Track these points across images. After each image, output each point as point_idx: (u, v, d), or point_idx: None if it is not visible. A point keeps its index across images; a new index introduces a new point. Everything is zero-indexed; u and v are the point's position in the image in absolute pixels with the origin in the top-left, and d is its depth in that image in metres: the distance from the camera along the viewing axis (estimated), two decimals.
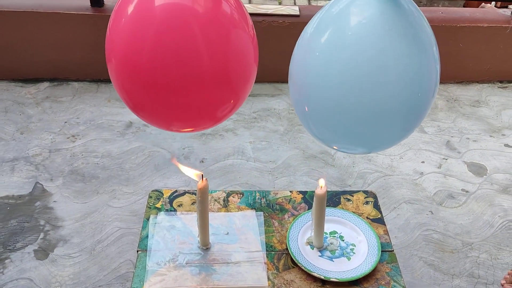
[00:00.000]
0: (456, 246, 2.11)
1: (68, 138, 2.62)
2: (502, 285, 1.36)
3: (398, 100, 0.94)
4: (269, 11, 3.00)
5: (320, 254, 1.27)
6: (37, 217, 2.14)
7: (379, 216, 1.40)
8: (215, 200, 1.42)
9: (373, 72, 0.91)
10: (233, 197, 1.43)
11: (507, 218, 2.26)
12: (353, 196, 1.46)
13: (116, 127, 2.71)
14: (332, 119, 0.99)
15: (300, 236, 1.30)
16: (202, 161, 2.50)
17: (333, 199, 1.44)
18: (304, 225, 1.33)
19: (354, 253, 1.28)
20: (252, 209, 1.39)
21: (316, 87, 0.97)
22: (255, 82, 1.09)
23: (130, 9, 0.92)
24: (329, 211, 1.36)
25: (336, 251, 1.28)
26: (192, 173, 1.19)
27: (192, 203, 1.40)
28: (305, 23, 1.02)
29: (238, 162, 2.51)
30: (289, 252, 1.25)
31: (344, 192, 1.48)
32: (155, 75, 0.92)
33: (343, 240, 1.31)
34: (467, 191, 2.41)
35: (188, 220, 1.35)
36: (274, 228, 1.34)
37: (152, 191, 1.44)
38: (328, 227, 1.33)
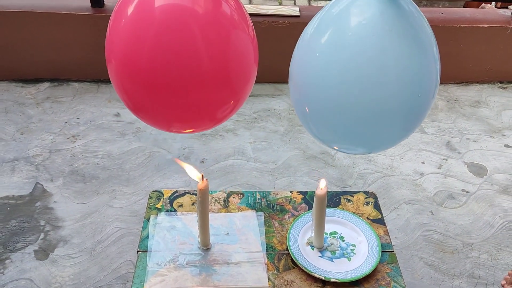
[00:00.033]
0: (456, 247, 2.11)
1: (68, 138, 2.62)
2: (503, 286, 1.37)
3: (398, 100, 0.94)
4: (270, 12, 3.00)
5: (320, 255, 1.27)
6: (37, 217, 2.14)
7: (380, 217, 1.40)
8: (216, 200, 1.42)
9: (373, 72, 0.91)
10: (234, 197, 1.43)
11: (507, 219, 2.26)
12: (353, 196, 1.46)
13: (116, 127, 2.71)
14: (332, 119, 0.99)
15: (300, 236, 1.30)
16: (203, 162, 2.50)
17: (334, 199, 1.44)
18: (305, 225, 1.33)
19: (354, 253, 1.28)
20: (252, 209, 1.39)
21: (316, 87, 0.97)
22: (255, 82, 1.09)
23: (130, 10, 0.92)
24: (329, 211, 1.36)
25: (337, 251, 1.28)
26: (194, 173, 1.18)
27: (193, 204, 1.41)
28: (305, 24, 1.02)
29: (239, 162, 2.51)
30: (290, 252, 1.25)
31: (345, 193, 1.48)
32: (155, 76, 0.92)
33: (344, 241, 1.31)
34: (467, 192, 2.41)
35: (188, 221, 1.35)
36: (274, 229, 1.34)
37: (153, 191, 1.44)
38: (328, 228, 1.33)
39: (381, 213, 1.41)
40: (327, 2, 1.08)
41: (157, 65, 0.91)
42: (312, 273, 1.20)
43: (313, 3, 4.75)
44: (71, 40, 2.96)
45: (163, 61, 0.90)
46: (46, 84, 3.05)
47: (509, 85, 3.31)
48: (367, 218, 1.39)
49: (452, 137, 2.79)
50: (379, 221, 1.38)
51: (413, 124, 1.02)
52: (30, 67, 3.04)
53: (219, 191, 1.46)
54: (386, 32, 0.90)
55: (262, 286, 1.19)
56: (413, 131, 1.04)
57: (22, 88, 3.00)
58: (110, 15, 0.98)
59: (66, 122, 2.74)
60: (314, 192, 1.23)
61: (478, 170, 2.55)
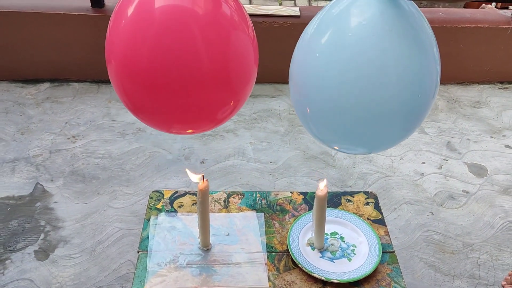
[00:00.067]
0: (456, 247, 2.11)
1: (68, 138, 2.62)
2: (503, 286, 1.36)
3: (398, 100, 0.94)
4: (270, 12, 3.00)
5: (320, 255, 1.27)
6: (37, 217, 2.14)
7: (380, 217, 1.40)
8: (216, 201, 1.42)
9: (373, 72, 0.91)
10: (234, 198, 1.43)
11: (508, 219, 2.26)
12: (353, 197, 1.46)
13: (116, 127, 2.71)
14: (333, 120, 0.99)
15: (300, 237, 1.30)
16: (203, 162, 2.50)
17: (334, 200, 1.44)
18: (305, 226, 1.33)
19: (355, 254, 1.28)
20: (252, 210, 1.39)
21: (316, 88, 0.97)
22: (256, 82, 1.09)
23: (130, 10, 0.92)
24: (329, 212, 1.36)
25: (337, 252, 1.28)
26: (195, 177, 1.18)
27: (193, 204, 1.40)
28: (305, 24, 1.02)
29: (239, 163, 2.51)
30: (290, 253, 1.25)
31: (345, 193, 1.48)
32: (155, 77, 0.92)
33: (344, 241, 1.31)
34: (467, 192, 2.41)
35: (188, 221, 1.35)
36: (274, 229, 1.34)
37: (153, 192, 1.44)
38: (328, 228, 1.33)
39: (381, 213, 1.41)
40: (328, 2, 1.08)
41: (157, 66, 0.91)
42: (312, 274, 1.20)
43: (313, 4, 4.75)
44: (71, 41, 2.96)
45: (163, 62, 0.90)
46: (46, 85, 3.05)
47: (510, 85, 3.31)
48: (368, 218, 1.39)
49: (452, 137, 2.79)
50: (380, 222, 1.38)
51: (413, 124, 1.02)
52: (30, 67, 3.04)
53: (219, 191, 1.46)
54: (386, 33, 0.90)
55: (263, 287, 1.19)
56: (413, 131, 1.04)
57: (22, 89, 3.00)
58: (110, 16, 0.98)
59: (66, 123, 2.74)
60: (314, 192, 1.23)
61: (479, 170, 2.55)
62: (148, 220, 1.35)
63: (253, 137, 2.70)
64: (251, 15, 1.03)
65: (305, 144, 2.66)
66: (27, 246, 2.01)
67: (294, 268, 1.23)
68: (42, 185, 2.31)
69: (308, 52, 0.97)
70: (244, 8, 1.02)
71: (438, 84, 0.99)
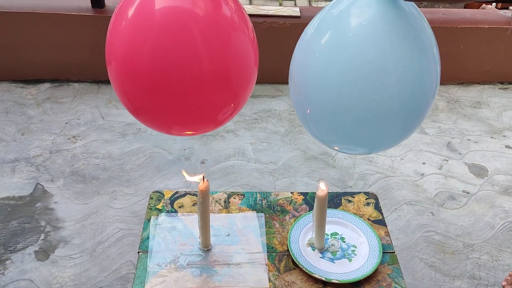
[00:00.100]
0: (457, 248, 2.11)
1: (69, 139, 2.62)
2: (503, 287, 1.36)
3: (398, 101, 0.94)
4: (270, 12, 3.00)
5: (321, 256, 1.27)
6: (37, 218, 2.14)
7: (380, 218, 1.40)
8: (216, 201, 1.42)
9: (373, 73, 0.91)
10: (234, 198, 1.43)
11: (508, 220, 2.26)
12: (354, 197, 1.46)
13: (117, 128, 2.71)
14: (333, 120, 0.99)
15: (301, 237, 1.30)
16: (203, 162, 2.50)
17: (334, 200, 1.44)
18: (305, 226, 1.33)
19: (355, 254, 1.28)
20: (253, 210, 1.39)
21: (316, 88, 0.97)
22: (256, 83, 1.09)
23: (131, 12, 0.92)
24: (330, 212, 1.35)
25: (337, 252, 1.28)
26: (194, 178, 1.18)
27: (193, 204, 1.40)
28: (305, 24, 1.02)
29: (239, 163, 2.51)
30: (290, 253, 1.25)
31: (345, 194, 1.48)
32: (155, 78, 0.92)
33: (344, 242, 1.31)
34: (468, 193, 2.41)
35: (189, 222, 1.35)
36: (275, 230, 1.34)
37: (153, 192, 1.44)
38: (329, 229, 1.33)
39: (381, 214, 1.41)
40: (328, 2, 1.08)
41: (157, 67, 0.91)
42: (313, 274, 1.20)
43: (314, 4, 4.75)
44: (71, 41, 2.97)
45: (163, 63, 0.90)
46: (46, 85, 3.05)
47: (510, 85, 3.31)
48: (368, 219, 1.39)
49: (452, 137, 2.79)
50: (380, 222, 1.38)
51: (413, 124, 1.02)
52: (30, 67, 3.04)
53: (219, 192, 1.46)
54: (386, 33, 0.90)
55: (263, 287, 1.19)
56: (413, 131, 1.04)
57: (23, 89, 3.00)
58: (110, 16, 0.98)
59: (66, 123, 2.74)
60: (314, 193, 1.23)
61: (479, 171, 2.55)
62: (149, 220, 1.35)
63: (253, 137, 2.70)
64: (251, 15, 1.03)
65: (305, 145, 2.66)
66: (28, 247, 2.01)
67: (295, 269, 1.23)
68: (43, 186, 2.31)
69: (308, 53, 0.97)
70: (244, 9, 1.02)
71: (438, 84, 0.99)
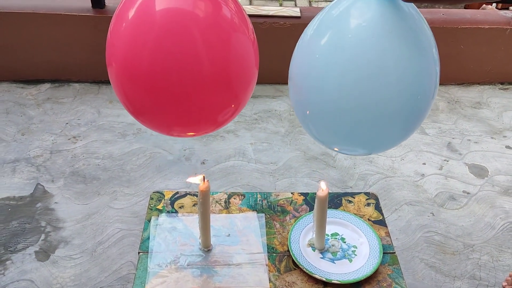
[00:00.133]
0: (457, 248, 2.11)
1: (69, 139, 2.62)
2: (504, 287, 1.36)
3: (398, 102, 0.94)
4: (270, 13, 3.00)
5: (321, 256, 1.27)
6: (38, 218, 2.14)
7: (381, 218, 1.40)
8: (217, 201, 1.42)
9: (372, 74, 0.91)
10: (235, 198, 1.43)
11: (509, 220, 2.26)
12: (354, 197, 1.46)
13: (117, 128, 2.71)
14: (332, 121, 0.99)
15: (301, 238, 1.30)
16: (203, 163, 2.50)
17: (335, 200, 1.44)
18: (306, 226, 1.33)
19: (355, 255, 1.28)
20: (253, 210, 1.39)
21: (316, 89, 0.97)
22: (256, 83, 1.09)
23: (131, 13, 0.92)
24: (330, 212, 1.35)
25: (338, 253, 1.28)
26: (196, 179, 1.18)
27: (194, 205, 1.41)
28: (306, 25, 1.02)
29: (239, 163, 2.51)
30: (291, 254, 1.25)
31: (346, 194, 1.48)
32: (156, 80, 0.92)
33: (345, 242, 1.31)
34: (468, 193, 2.41)
35: (189, 222, 1.35)
36: (275, 230, 1.34)
37: (153, 192, 1.44)
38: (329, 229, 1.33)
39: (382, 214, 1.41)
40: (328, 3, 1.08)
41: (158, 69, 0.91)
42: (313, 275, 1.20)
43: (314, 4, 4.75)
44: (72, 41, 2.97)
45: (163, 65, 0.90)
46: (47, 85, 3.05)
47: (510, 86, 3.31)
48: (368, 219, 1.39)
49: (453, 138, 2.79)
50: (380, 223, 1.38)
51: (413, 125, 1.02)
52: (30, 68, 3.05)
53: (220, 192, 1.46)
54: (386, 34, 0.90)
55: None
56: (413, 132, 1.05)
57: (23, 89, 3.00)
58: (111, 16, 0.98)
59: (67, 123, 2.74)
60: (315, 193, 1.23)
61: (479, 171, 2.55)
62: (149, 220, 1.35)
63: (254, 137, 2.70)
64: (251, 15, 1.03)
65: (305, 145, 2.66)
66: (28, 247, 2.01)
67: (295, 269, 1.23)
68: (43, 186, 2.31)
69: (308, 54, 0.97)
70: (244, 10, 1.02)
71: (437, 85, 0.99)
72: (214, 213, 1.38)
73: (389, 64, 0.91)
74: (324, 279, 1.19)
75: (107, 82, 3.06)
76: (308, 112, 1.01)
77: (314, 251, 1.28)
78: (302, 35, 1.02)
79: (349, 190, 2.37)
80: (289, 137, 2.72)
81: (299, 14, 3.01)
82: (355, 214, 1.40)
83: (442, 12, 3.23)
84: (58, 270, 1.92)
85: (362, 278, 1.20)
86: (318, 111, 1.00)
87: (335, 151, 1.09)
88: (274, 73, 2.66)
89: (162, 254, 1.25)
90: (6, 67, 3.03)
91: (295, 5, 4.66)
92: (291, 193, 1.47)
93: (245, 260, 1.25)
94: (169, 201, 1.41)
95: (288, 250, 1.27)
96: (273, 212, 1.39)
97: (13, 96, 2.94)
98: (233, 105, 1.03)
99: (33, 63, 3.03)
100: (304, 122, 1.06)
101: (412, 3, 0.93)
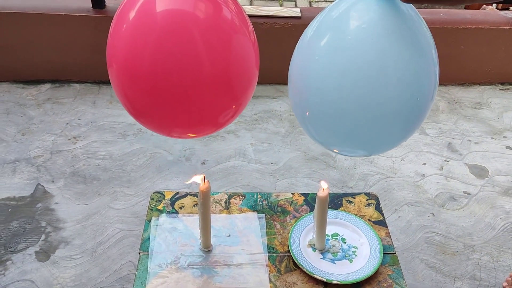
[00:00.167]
0: (457, 249, 2.11)
1: (69, 139, 2.62)
2: None
3: (397, 103, 0.94)
4: (271, 13, 3.00)
5: (322, 257, 1.27)
6: (38, 218, 2.14)
7: (381, 218, 1.40)
8: (217, 202, 1.42)
9: (372, 75, 0.91)
10: (235, 199, 1.43)
11: (509, 220, 2.26)
12: (355, 198, 1.46)
13: (117, 128, 2.71)
14: (332, 122, 0.99)
15: (302, 238, 1.30)
16: (204, 163, 2.50)
17: (335, 201, 1.44)
18: (306, 227, 1.33)
19: (356, 255, 1.28)
20: (253, 211, 1.39)
21: (315, 91, 0.97)
22: (257, 83, 1.09)
23: (132, 14, 0.92)
24: (331, 213, 1.36)
25: (338, 253, 1.28)
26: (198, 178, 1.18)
27: (194, 205, 1.41)
28: (306, 25, 1.02)
29: (240, 164, 2.51)
30: (291, 254, 1.25)
31: (346, 194, 1.48)
32: (156, 81, 0.92)
33: (345, 242, 1.31)
34: (468, 193, 2.41)
35: (190, 222, 1.35)
36: (276, 230, 1.34)
37: (154, 192, 1.44)
38: (330, 229, 1.33)
39: (382, 214, 1.41)
40: (328, 3, 1.08)
41: (158, 70, 0.91)
42: (313, 275, 1.20)
43: (314, 5, 4.75)
44: (72, 41, 2.97)
45: (164, 66, 0.90)
46: (47, 85, 3.05)
47: (510, 86, 3.31)
48: (369, 219, 1.39)
49: (453, 138, 2.79)
50: (381, 223, 1.38)
51: (413, 126, 1.02)
52: (31, 68, 3.05)
53: (220, 192, 1.46)
54: (385, 35, 0.90)
55: None
56: (412, 133, 1.05)
57: (23, 89, 3.00)
58: (111, 17, 0.98)
59: (67, 123, 2.74)
60: (315, 193, 1.23)
61: (480, 171, 2.55)
62: (149, 221, 1.35)
63: (254, 138, 2.70)
64: (251, 16, 1.03)
65: (306, 145, 2.66)
66: (28, 247, 2.01)
67: (295, 270, 1.23)
68: (43, 186, 2.31)
69: (308, 55, 0.97)
70: (244, 11, 1.02)
71: (437, 86, 0.99)
72: (214, 213, 1.38)
73: (388, 65, 0.91)
74: (324, 280, 1.19)
75: (107, 82, 3.06)
76: (307, 113, 1.01)
77: (315, 251, 1.28)
78: (302, 36, 1.02)
79: (349, 191, 2.37)
80: (290, 137, 2.72)
81: (299, 15, 3.01)
82: (355, 214, 1.40)
83: (443, 13, 3.23)
84: (59, 271, 1.92)
85: (363, 279, 1.20)
86: (317, 112, 1.00)
87: (335, 152, 1.09)
88: (275, 73, 2.66)
89: (162, 255, 1.25)
90: (6, 67, 3.04)
91: (296, 6, 4.66)
92: (292, 193, 1.47)
93: (245, 261, 1.25)
94: (170, 202, 1.41)
95: (289, 251, 1.27)
96: (274, 212, 1.39)
97: (14, 97, 2.94)
98: (233, 106, 1.03)
99: (33, 63, 3.03)
100: (303, 123, 1.06)
101: (411, 4, 0.93)
